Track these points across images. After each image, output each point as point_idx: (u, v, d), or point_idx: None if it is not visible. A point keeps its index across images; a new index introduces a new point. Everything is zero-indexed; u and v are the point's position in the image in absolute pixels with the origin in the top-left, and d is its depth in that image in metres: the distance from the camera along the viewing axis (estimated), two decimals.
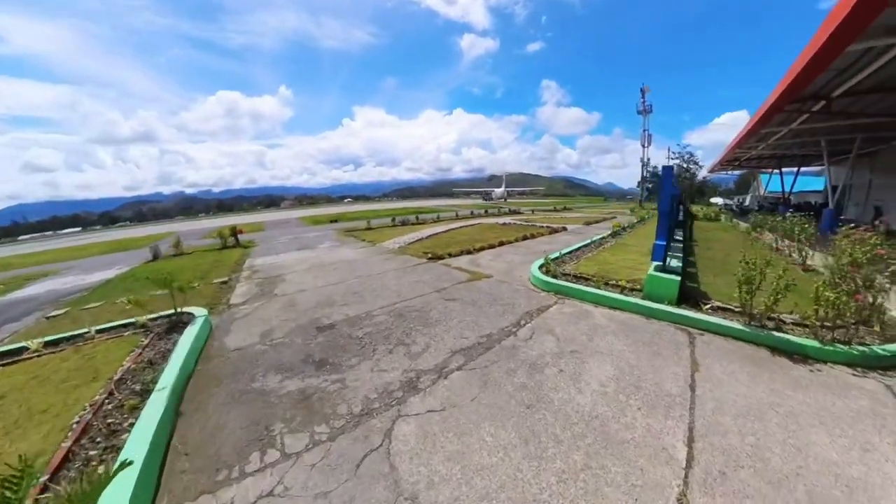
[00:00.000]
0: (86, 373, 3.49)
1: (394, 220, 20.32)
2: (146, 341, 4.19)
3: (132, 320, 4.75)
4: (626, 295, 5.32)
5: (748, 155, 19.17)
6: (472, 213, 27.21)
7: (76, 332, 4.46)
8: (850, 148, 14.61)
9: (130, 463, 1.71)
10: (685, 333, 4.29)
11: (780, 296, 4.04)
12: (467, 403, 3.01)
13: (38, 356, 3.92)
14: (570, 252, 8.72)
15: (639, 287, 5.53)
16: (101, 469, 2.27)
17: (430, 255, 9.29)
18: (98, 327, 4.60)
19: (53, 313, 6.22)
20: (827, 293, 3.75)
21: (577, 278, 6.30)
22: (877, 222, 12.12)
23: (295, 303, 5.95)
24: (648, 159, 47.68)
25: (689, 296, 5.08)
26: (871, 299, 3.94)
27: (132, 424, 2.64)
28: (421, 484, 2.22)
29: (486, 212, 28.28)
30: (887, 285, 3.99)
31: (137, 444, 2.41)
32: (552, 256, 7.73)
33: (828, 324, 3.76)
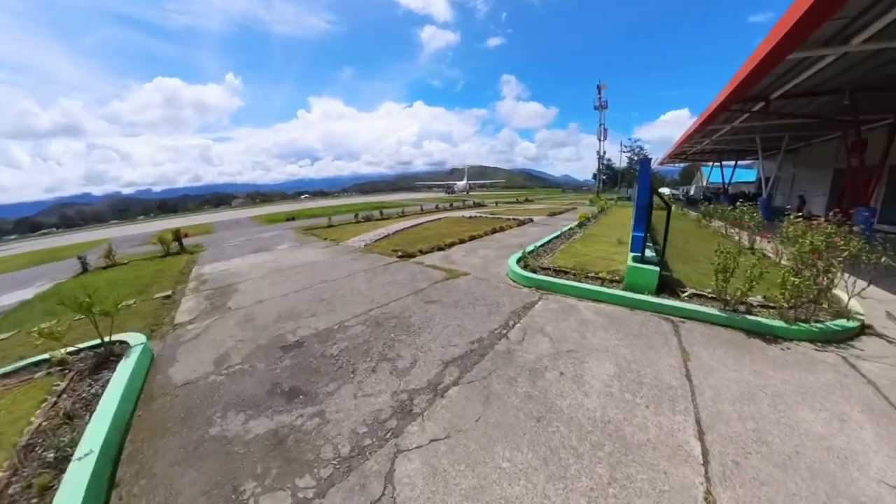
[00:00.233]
0: None
1: (357, 216, 19.52)
2: (63, 384, 3.29)
3: (46, 356, 3.77)
4: (608, 287, 5.32)
5: (694, 149, 21.00)
6: (437, 206, 26.99)
7: None
8: (779, 144, 16.51)
9: None
10: (669, 322, 4.36)
11: (754, 282, 4.31)
12: (473, 425, 2.68)
13: None
14: (543, 245, 8.70)
15: (618, 278, 5.55)
16: None
17: (400, 253, 8.87)
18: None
19: None
20: (792, 278, 4.12)
21: (557, 272, 6.21)
22: (804, 211, 13.60)
23: (253, 317, 5.24)
24: (605, 152, 50.14)
25: (666, 284, 5.17)
26: (825, 282, 4.31)
27: None
28: None
29: (451, 205, 28.22)
30: (840, 270, 4.33)
31: None
32: (528, 250, 7.65)
33: (791, 304, 4.10)
